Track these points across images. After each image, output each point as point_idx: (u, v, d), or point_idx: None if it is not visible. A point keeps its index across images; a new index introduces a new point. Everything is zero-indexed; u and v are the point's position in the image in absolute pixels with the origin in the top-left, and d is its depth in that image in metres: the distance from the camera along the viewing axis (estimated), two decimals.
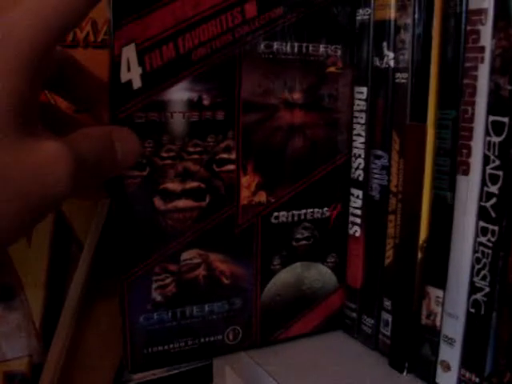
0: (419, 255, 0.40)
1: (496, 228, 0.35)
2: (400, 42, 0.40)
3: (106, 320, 0.41)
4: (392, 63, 0.40)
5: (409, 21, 0.39)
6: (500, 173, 0.35)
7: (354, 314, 0.46)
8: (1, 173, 0.25)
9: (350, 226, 0.45)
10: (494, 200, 0.35)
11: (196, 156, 0.39)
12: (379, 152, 0.42)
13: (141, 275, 0.39)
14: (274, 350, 0.44)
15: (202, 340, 0.42)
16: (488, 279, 0.36)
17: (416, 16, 0.39)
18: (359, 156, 0.44)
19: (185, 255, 0.40)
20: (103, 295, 0.41)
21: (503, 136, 0.34)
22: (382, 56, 0.41)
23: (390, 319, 0.43)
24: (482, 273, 0.36)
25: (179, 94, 0.37)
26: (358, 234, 0.45)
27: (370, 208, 0.44)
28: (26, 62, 0.26)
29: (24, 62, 0.26)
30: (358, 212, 0.45)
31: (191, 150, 0.39)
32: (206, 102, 0.38)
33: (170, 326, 0.41)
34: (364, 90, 0.43)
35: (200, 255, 0.40)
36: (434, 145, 0.38)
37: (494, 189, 0.35)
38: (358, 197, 0.44)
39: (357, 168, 0.44)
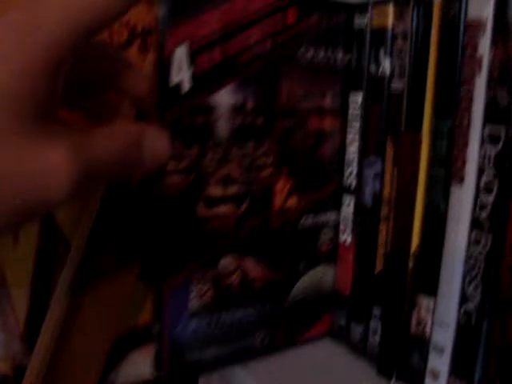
0: (410, 264, 0.40)
1: (489, 238, 0.35)
2: (397, 49, 0.40)
3: (92, 323, 0.40)
4: (388, 71, 0.40)
5: (407, 29, 0.39)
6: (495, 182, 0.35)
7: (343, 321, 0.46)
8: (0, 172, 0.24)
9: (340, 233, 0.45)
10: (488, 210, 0.35)
11: (238, 161, 0.38)
12: (373, 158, 0.42)
13: (179, 284, 0.38)
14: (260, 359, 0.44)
15: (235, 345, 0.42)
16: (479, 289, 0.36)
17: (414, 24, 0.39)
18: (353, 161, 0.44)
19: (222, 261, 0.40)
20: (90, 297, 0.40)
21: (499, 146, 0.34)
22: (378, 63, 0.41)
23: (379, 327, 0.42)
24: (474, 283, 0.36)
25: (224, 98, 0.37)
26: (348, 241, 0.45)
27: (361, 215, 0.44)
28: (51, 58, 0.25)
29: (49, 58, 0.25)
30: (349, 219, 0.44)
31: (234, 154, 0.38)
32: (248, 107, 0.38)
33: (205, 334, 0.40)
34: (359, 94, 0.43)
35: (236, 260, 0.40)
36: (428, 154, 0.38)
37: (488, 199, 0.35)
38: (349, 204, 0.44)
39: (350, 175, 0.44)
